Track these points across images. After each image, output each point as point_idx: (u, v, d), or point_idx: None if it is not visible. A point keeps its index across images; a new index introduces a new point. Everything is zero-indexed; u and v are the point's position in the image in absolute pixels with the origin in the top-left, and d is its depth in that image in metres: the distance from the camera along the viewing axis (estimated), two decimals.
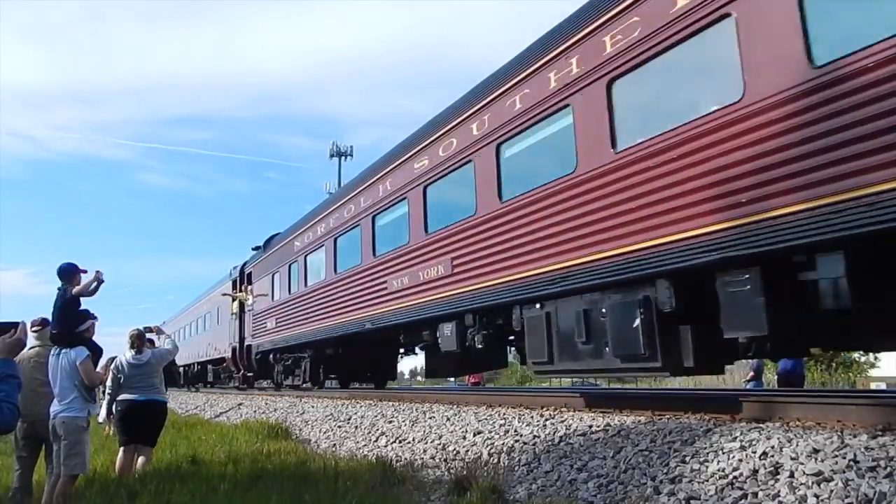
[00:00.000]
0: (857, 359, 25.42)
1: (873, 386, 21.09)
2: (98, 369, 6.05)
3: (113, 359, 7.06)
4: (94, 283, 6.02)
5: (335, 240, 12.70)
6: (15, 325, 2.70)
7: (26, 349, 5.51)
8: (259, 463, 7.10)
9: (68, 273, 5.94)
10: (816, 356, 22.07)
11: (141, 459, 6.69)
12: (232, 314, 20.92)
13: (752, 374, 12.79)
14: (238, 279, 20.72)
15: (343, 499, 4.93)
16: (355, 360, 14.62)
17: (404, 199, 10.02)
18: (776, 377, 12.88)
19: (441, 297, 8.90)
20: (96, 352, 5.96)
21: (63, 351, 5.66)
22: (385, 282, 10.34)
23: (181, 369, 30.72)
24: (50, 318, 5.90)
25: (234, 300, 20.75)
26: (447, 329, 9.07)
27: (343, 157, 37.57)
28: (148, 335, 7.05)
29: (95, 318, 6.04)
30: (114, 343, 8.45)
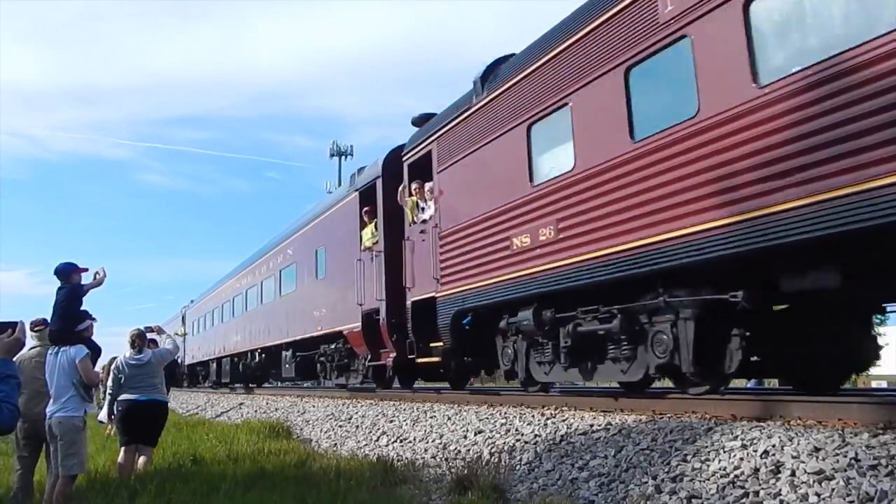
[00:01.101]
0: None
1: (874, 384, 21.05)
2: (96, 369, 6.06)
3: (113, 359, 7.07)
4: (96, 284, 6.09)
5: None
6: (13, 324, 2.70)
7: (27, 349, 5.55)
8: (260, 462, 7.11)
9: (66, 273, 5.96)
10: None
11: (142, 459, 6.70)
12: (363, 250, 11.69)
13: None
14: (379, 184, 11.30)
15: (344, 498, 4.93)
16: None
17: None
18: None
19: None
20: (95, 351, 5.98)
21: (62, 349, 5.66)
22: None
23: (229, 359, 22.37)
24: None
25: (364, 226, 11.87)
26: None
27: (343, 157, 37.63)
28: (149, 335, 7.07)
29: (94, 319, 6.06)
30: (114, 343, 8.45)
